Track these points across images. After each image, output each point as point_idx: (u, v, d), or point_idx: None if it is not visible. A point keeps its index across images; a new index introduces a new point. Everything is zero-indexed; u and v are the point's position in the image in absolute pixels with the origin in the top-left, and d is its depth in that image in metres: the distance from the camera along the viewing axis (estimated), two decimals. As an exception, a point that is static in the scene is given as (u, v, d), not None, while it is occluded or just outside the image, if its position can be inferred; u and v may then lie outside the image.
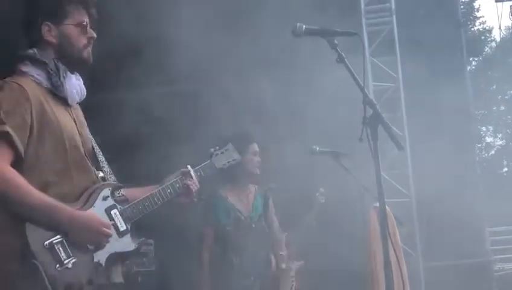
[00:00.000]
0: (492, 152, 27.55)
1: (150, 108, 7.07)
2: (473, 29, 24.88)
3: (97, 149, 3.08)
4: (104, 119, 5.78)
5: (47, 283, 2.61)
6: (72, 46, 2.92)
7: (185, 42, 5.96)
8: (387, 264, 2.61)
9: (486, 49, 26.59)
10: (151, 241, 7.40)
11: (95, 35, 2.97)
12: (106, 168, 3.08)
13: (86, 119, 3.10)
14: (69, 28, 2.91)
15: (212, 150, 3.54)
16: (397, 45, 8.28)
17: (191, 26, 5.91)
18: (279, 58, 7.03)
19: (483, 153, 26.00)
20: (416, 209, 8.08)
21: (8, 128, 2.68)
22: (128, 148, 7.28)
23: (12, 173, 2.68)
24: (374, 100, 2.77)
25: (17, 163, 2.72)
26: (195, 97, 7.42)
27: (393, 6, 8.21)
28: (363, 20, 8.12)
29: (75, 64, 2.95)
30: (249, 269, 5.13)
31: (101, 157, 3.08)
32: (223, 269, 5.10)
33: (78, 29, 2.92)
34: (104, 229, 2.82)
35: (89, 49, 2.96)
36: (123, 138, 6.90)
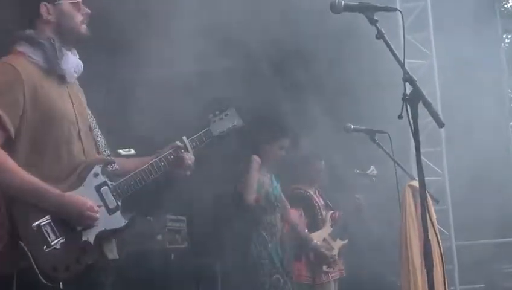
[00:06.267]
0: (526, 130, 27.19)
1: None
2: (506, 5, 24.44)
3: (94, 127, 3.11)
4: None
5: (33, 264, 2.63)
6: (70, 22, 3.01)
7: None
8: (427, 241, 2.60)
9: (521, 25, 26.11)
10: (183, 218, 7.36)
11: (89, 11, 3.07)
12: (101, 141, 3.11)
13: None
14: (65, 5, 3.01)
15: (211, 115, 3.42)
16: (431, 22, 8.17)
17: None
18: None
19: (516, 131, 25.63)
20: (449, 188, 8.02)
21: None
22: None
23: (2, 155, 2.71)
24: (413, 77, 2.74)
25: (8, 143, 2.76)
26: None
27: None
28: (398, -4, 8.01)
29: (74, 40, 3.04)
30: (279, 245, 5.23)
31: (96, 132, 3.11)
32: (256, 243, 5.12)
33: (73, 7, 3.03)
34: (90, 213, 2.83)
35: (85, 24, 3.06)
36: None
